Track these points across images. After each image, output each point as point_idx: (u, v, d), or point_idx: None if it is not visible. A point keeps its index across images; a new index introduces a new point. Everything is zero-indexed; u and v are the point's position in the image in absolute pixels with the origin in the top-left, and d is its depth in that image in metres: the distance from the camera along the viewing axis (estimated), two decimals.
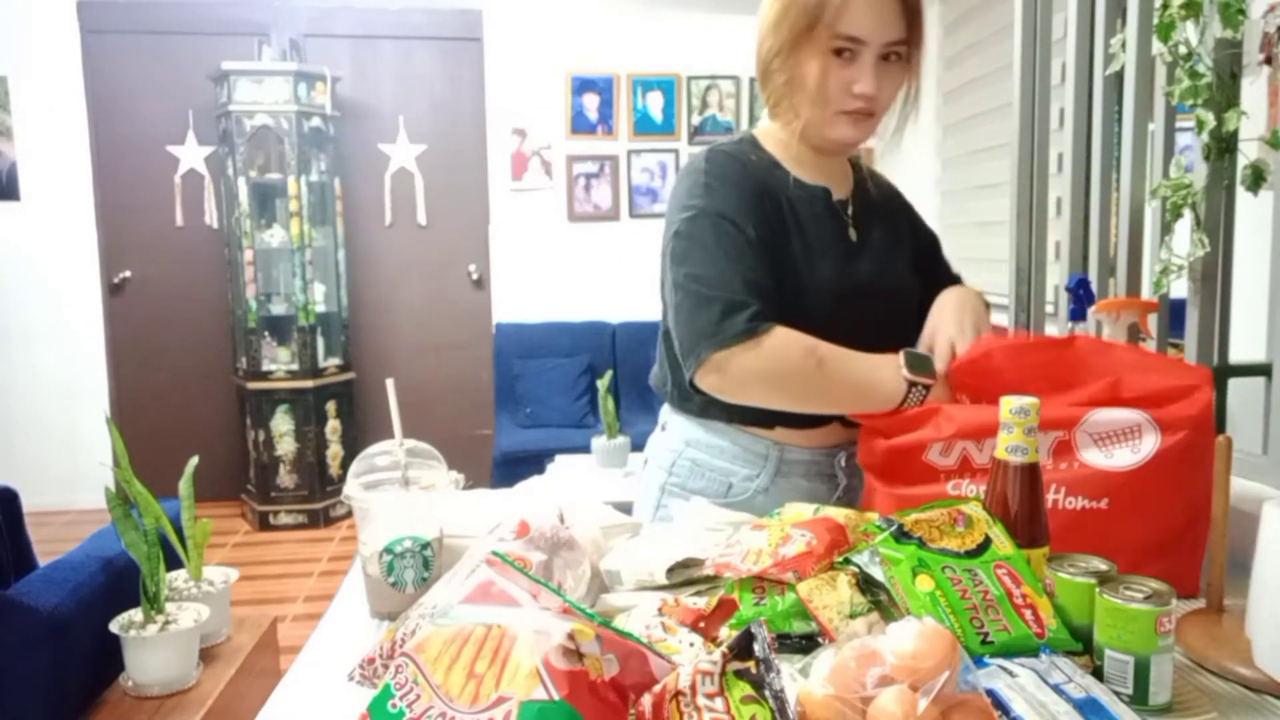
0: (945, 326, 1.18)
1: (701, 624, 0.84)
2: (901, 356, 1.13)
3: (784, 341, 1.12)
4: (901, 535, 0.84)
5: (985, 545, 0.84)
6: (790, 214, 1.21)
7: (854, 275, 1.22)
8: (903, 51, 1.17)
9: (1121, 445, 1.01)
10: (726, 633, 0.81)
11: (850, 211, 1.27)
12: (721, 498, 1.24)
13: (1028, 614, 0.80)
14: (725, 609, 0.84)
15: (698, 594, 0.94)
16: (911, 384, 1.11)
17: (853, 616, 0.80)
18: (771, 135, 1.27)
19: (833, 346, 1.13)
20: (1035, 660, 0.76)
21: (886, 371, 1.13)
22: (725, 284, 1.12)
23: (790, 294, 1.18)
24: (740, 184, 1.19)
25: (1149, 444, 1.00)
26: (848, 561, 0.85)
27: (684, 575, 0.98)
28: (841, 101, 1.16)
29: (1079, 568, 0.85)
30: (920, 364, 1.13)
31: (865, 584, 0.83)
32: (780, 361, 1.12)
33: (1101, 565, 0.86)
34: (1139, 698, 0.78)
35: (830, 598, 0.81)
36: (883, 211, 1.32)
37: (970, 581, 0.81)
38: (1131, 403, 1.02)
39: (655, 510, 1.30)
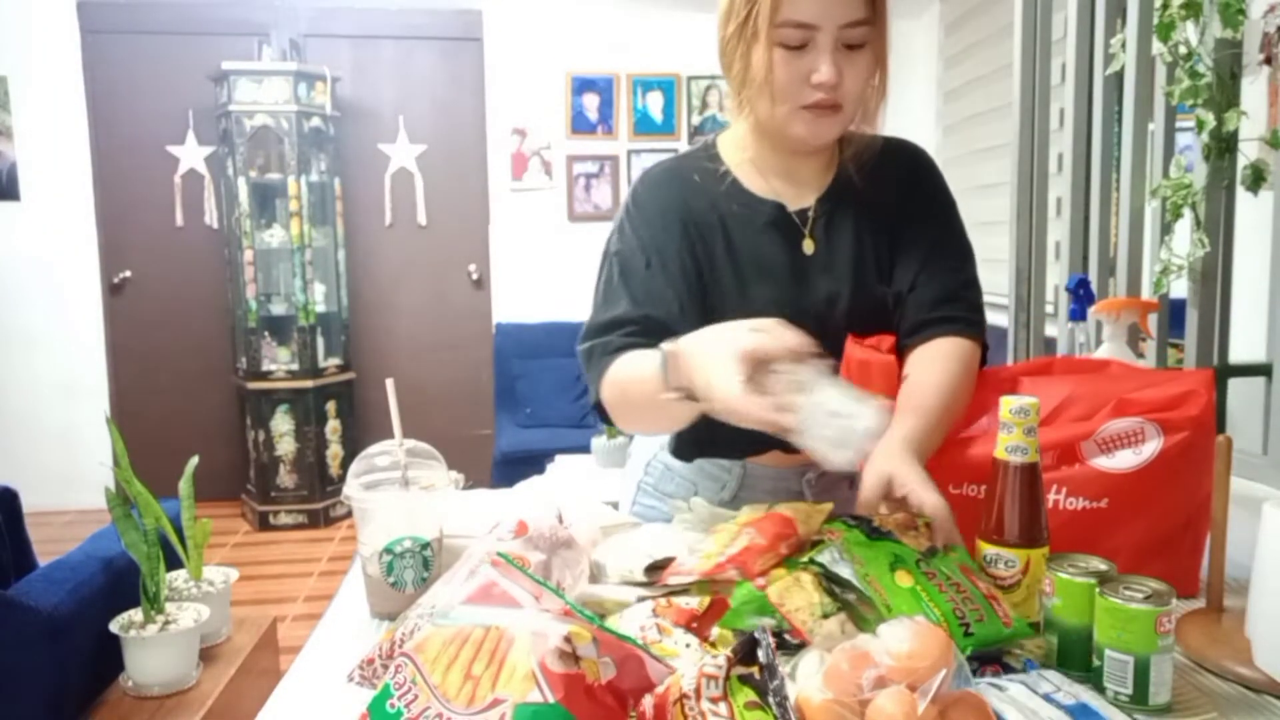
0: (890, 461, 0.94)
1: (694, 624, 0.84)
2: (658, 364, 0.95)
3: (608, 385, 1.06)
4: (874, 533, 0.84)
5: (934, 549, 0.86)
6: (723, 237, 1.12)
7: (800, 296, 1.12)
8: (865, 34, 1.02)
9: (1124, 447, 1.01)
10: (718, 632, 0.81)
11: (811, 219, 1.14)
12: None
13: (995, 604, 0.82)
14: (717, 609, 0.84)
15: (683, 593, 0.94)
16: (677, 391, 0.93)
17: (825, 617, 0.80)
18: (734, 140, 1.18)
19: (623, 371, 1.03)
20: (1023, 675, 0.78)
21: (651, 386, 0.96)
22: (593, 331, 1.10)
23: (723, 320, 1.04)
24: (659, 212, 1.13)
25: (1151, 446, 1.00)
26: (812, 562, 0.84)
27: (659, 575, 0.98)
28: (799, 95, 1.03)
29: (1079, 568, 0.85)
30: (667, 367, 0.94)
31: (829, 584, 0.83)
32: (613, 407, 1.07)
33: (1101, 565, 0.86)
34: (1139, 698, 0.78)
35: (801, 599, 0.81)
36: (864, 207, 1.14)
37: (944, 575, 0.82)
38: (1136, 413, 1.02)
39: (631, 506, 1.31)
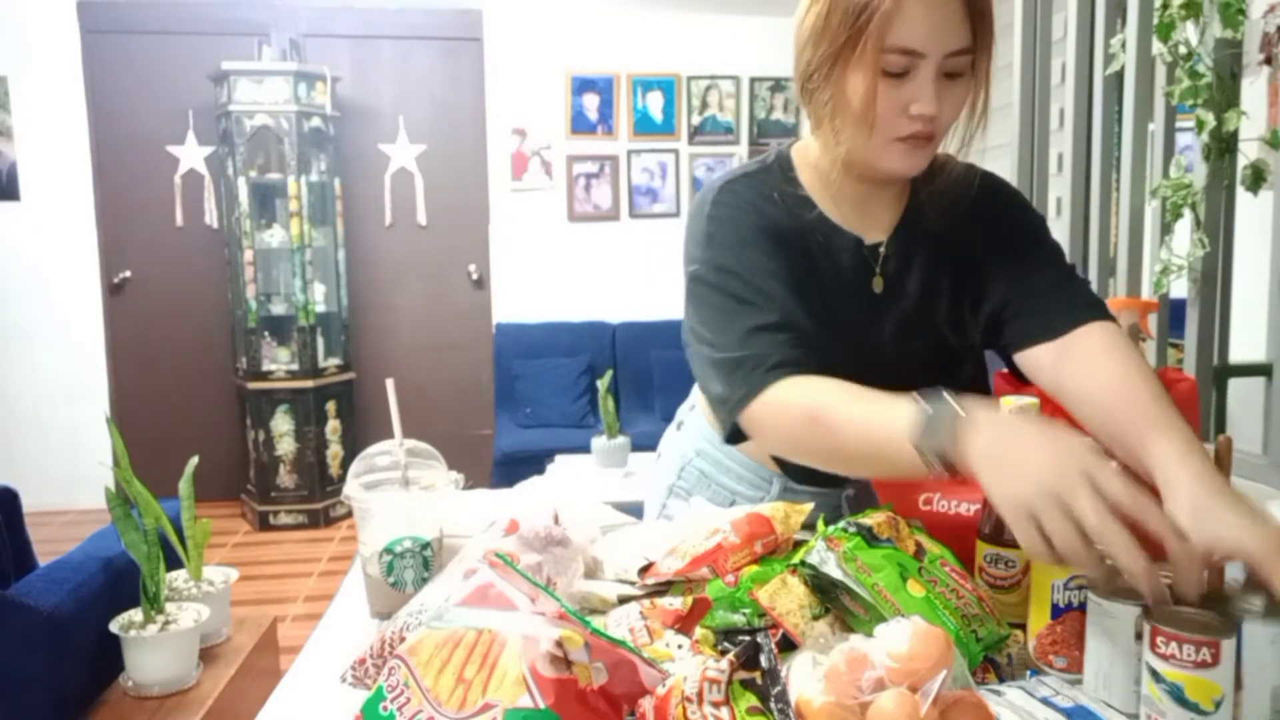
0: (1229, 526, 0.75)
1: (678, 624, 0.83)
2: (915, 424, 0.82)
3: (781, 402, 0.96)
4: (873, 539, 0.84)
5: (921, 549, 0.85)
6: (808, 261, 1.08)
7: (869, 335, 1.10)
8: (966, 63, 0.96)
9: None
10: (700, 632, 0.81)
11: (883, 256, 1.10)
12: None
13: (986, 604, 0.82)
14: (700, 608, 0.84)
15: (665, 593, 0.94)
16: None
17: (815, 618, 0.80)
18: (809, 158, 1.11)
19: (838, 402, 0.91)
20: (1021, 681, 0.78)
21: (895, 437, 0.83)
22: (725, 344, 1.01)
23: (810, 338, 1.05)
24: (746, 226, 1.06)
25: None
26: (803, 564, 0.83)
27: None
28: (895, 126, 0.97)
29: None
30: (933, 428, 0.80)
31: (816, 586, 0.83)
32: (779, 428, 0.98)
33: None
34: None
35: (791, 602, 0.81)
36: (937, 245, 1.11)
37: (946, 583, 0.82)
38: None
39: (660, 509, 1.30)
